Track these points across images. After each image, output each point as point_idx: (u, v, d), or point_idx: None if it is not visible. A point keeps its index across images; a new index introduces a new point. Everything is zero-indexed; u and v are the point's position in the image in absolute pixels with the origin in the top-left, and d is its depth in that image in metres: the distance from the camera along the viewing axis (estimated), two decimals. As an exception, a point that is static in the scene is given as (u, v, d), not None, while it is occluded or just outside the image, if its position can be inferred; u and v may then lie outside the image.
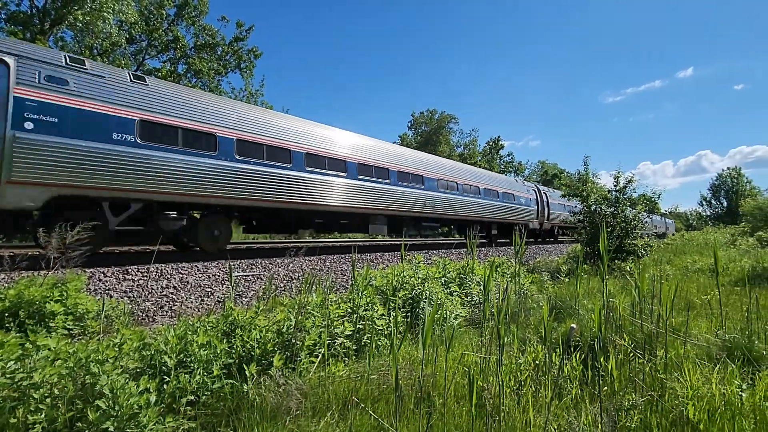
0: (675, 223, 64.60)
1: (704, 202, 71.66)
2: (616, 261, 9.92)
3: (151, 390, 2.48)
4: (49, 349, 2.63)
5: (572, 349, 3.69)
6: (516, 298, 5.30)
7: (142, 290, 6.40)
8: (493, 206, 19.66)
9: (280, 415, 2.68)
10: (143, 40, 27.10)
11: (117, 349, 2.83)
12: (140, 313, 5.75)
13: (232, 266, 7.42)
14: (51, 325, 3.81)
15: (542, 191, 25.63)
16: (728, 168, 69.60)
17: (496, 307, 2.90)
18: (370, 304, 4.28)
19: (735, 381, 2.71)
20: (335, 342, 3.74)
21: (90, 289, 5.96)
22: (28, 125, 6.64)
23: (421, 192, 15.26)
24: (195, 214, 9.89)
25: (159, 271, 7.13)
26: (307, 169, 11.06)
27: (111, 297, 5.86)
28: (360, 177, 12.65)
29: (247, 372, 2.93)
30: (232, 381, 2.97)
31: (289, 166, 10.58)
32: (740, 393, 2.58)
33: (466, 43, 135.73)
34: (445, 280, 6.62)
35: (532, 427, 2.56)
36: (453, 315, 5.25)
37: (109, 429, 2.22)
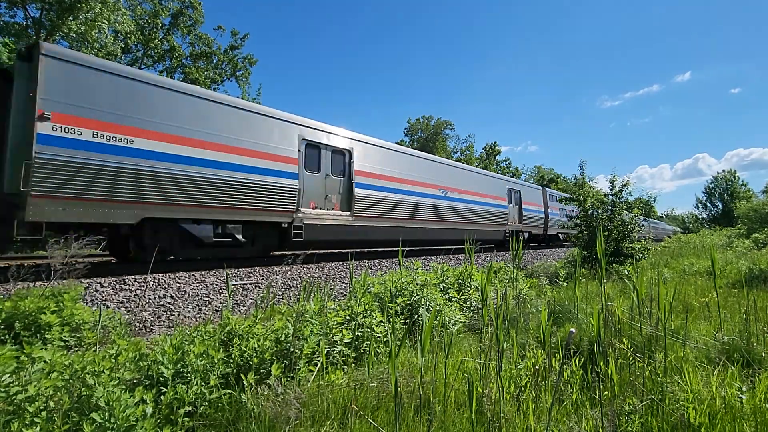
0: (673, 225, 64.88)
1: (700, 205, 72.07)
2: (614, 264, 9.94)
3: (148, 401, 2.45)
4: (44, 362, 2.61)
5: (572, 353, 3.68)
6: (514, 303, 5.29)
7: (139, 300, 6.36)
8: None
9: (278, 424, 2.66)
10: (139, 49, 27.18)
11: (113, 360, 2.80)
12: (137, 324, 5.70)
13: (230, 274, 7.40)
14: (47, 336, 3.77)
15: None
16: (723, 171, 70.10)
17: (495, 312, 2.89)
18: (368, 311, 4.27)
19: (735, 383, 2.71)
20: (334, 350, 3.71)
21: (86, 300, 5.92)
22: None
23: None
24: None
25: (156, 281, 7.09)
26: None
27: (108, 307, 5.82)
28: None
29: (245, 381, 2.90)
30: (229, 391, 2.94)
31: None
32: (740, 395, 2.57)
33: (463, 49, 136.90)
34: (443, 286, 6.61)
35: (533, 433, 2.55)
36: (452, 321, 5.23)
37: (106, 442, 2.19)
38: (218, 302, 6.95)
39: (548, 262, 13.57)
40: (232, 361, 3.20)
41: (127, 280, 6.84)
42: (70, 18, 18.97)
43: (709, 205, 70.23)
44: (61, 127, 6.61)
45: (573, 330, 2.68)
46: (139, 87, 7.69)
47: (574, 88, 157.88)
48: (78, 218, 6.89)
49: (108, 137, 7.14)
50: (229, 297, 4.05)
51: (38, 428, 2.22)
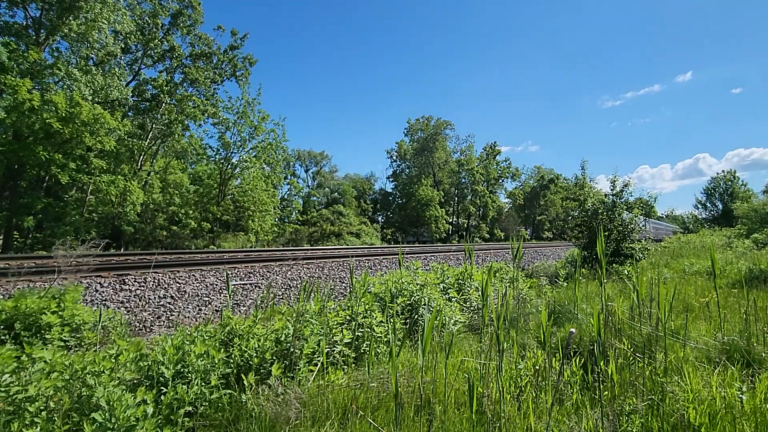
0: (673, 225, 65.18)
1: (699, 205, 72.01)
2: (614, 265, 9.95)
3: (149, 401, 2.45)
4: (44, 362, 2.61)
5: (572, 353, 3.68)
6: (515, 303, 5.29)
7: (139, 300, 6.36)
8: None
9: (279, 424, 2.66)
10: (139, 50, 27.14)
11: (113, 360, 2.80)
12: (137, 324, 5.70)
13: (230, 275, 7.39)
14: (47, 336, 3.78)
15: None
16: (723, 171, 70.06)
17: (495, 312, 2.89)
18: (368, 312, 4.27)
19: (735, 384, 2.71)
20: (334, 350, 3.72)
21: (86, 300, 5.92)
22: None
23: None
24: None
25: (156, 281, 7.09)
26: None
27: (108, 307, 5.81)
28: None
29: (245, 382, 2.90)
30: (230, 391, 2.94)
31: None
32: (740, 396, 2.57)
33: (464, 50, 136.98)
34: (443, 286, 6.61)
35: (533, 433, 2.55)
36: (452, 321, 5.24)
37: (106, 442, 2.20)
38: (218, 302, 6.95)
39: (548, 262, 13.57)
40: (232, 361, 3.20)
41: (126, 280, 6.84)
42: (71, 18, 18.96)
43: (708, 205, 70.18)
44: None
45: (573, 330, 2.68)
46: (654, 223, 48.11)
47: (575, 88, 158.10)
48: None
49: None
50: (230, 297, 4.05)
51: (38, 428, 2.22)
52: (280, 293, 7.80)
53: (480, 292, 4.91)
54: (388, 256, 13.59)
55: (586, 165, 13.12)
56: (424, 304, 5.20)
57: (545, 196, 64.21)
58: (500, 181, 64.76)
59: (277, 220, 37.54)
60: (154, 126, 26.38)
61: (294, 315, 3.77)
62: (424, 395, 2.93)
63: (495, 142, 62.97)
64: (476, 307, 6.28)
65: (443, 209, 52.34)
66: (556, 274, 10.00)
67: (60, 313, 4.04)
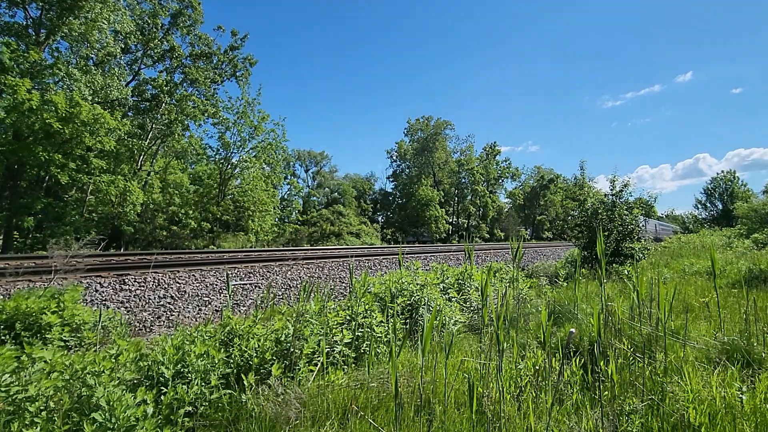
0: (673, 225, 65.25)
1: (699, 205, 71.98)
2: (614, 265, 9.95)
3: (149, 401, 2.46)
4: (45, 362, 2.61)
5: (572, 353, 3.68)
6: (515, 303, 5.29)
7: (139, 300, 6.36)
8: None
9: (279, 424, 2.66)
10: (139, 50, 27.14)
11: (113, 360, 2.80)
12: (137, 324, 5.70)
13: (230, 275, 7.40)
14: (47, 336, 3.78)
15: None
16: (723, 171, 70.07)
17: (495, 312, 2.90)
18: (368, 312, 4.27)
19: (735, 384, 2.71)
20: (334, 350, 3.72)
21: (86, 300, 5.92)
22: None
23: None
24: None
25: (156, 281, 7.09)
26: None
27: (108, 307, 5.81)
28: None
29: (245, 382, 2.90)
30: (230, 391, 2.94)
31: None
32: (740, 395, 2.57)
33: (464, 49, 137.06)
34: (443, 286, 6.61)
35: (534, 433, 2.55)
36: (452, 321, 5.24)
37: (106, 442, 2.20)
38: (218, 302, 6.95)
39: (548, 262, 13.57)
40: (232, 361, 3.20)
41: (126, 280, 6.84)
42: (71, 18, 18.96)
43: (708, 205, 70.15)
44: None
45: (573, 330, 2.68)
46: (655, 223, 47.21)
47: (575, 88, 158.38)
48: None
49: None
50: (230, 297, 4.05)
51: (38, 428, 2.22)
52: (280, 293, 7.80)
53: (480, 292, 4.92)
54: (388, 256, 13.59)
55: (585, 165, 13.19)
56: (424, 304, 5.20)
57: (545, 196, 64.20)
58: (500, 181, 64.78)
59: (277, 220, 37.54)
60: (154, 126, 26.38)
61: (294, 315, 3.77)
62: (424, 395, 2.93)
63: (495, 142, 63.05)
64: (476, 307, 6.28)
65: (443, 209, 52.36)
66: (556, 274, 10.01)
67: (60, 313, 4.04)
